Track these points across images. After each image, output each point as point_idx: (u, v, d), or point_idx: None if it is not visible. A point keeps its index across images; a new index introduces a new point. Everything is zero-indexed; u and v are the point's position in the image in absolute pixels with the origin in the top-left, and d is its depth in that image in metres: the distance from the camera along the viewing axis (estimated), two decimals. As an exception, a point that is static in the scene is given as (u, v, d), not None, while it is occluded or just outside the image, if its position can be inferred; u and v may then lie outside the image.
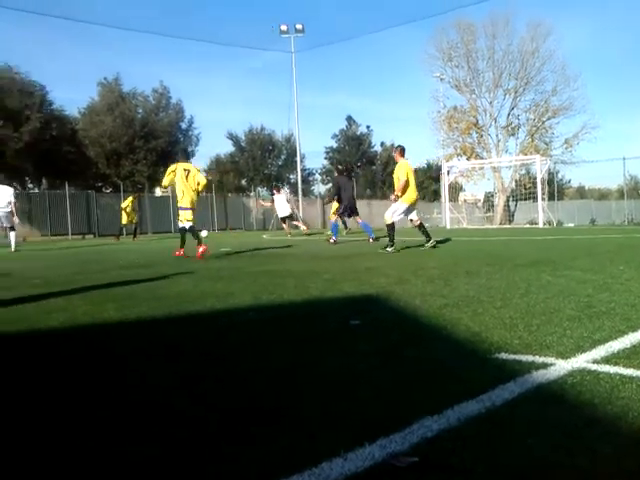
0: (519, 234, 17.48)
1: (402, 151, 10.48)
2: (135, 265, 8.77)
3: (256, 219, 38.91)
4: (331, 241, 13.42)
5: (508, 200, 37.88)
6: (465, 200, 48.78)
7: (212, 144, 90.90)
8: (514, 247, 11.22)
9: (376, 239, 13.23)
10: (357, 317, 3.68)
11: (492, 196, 41.43)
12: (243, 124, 66.14)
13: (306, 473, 1.53)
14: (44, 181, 34.30)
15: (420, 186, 56.14)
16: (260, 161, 46.26)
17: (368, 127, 56.00)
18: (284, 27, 37.06)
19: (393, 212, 10.18)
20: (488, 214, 41.02)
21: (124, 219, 22.72)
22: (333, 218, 14.80)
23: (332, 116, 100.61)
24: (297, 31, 37.16)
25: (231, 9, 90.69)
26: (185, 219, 10.33)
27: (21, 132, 26.59)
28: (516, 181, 38.13)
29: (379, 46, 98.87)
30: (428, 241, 10.31)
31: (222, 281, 6.08)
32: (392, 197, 10.35)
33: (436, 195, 55.60)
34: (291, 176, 48.21)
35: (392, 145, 56.73)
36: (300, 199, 39.00)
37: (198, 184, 10.26)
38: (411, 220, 10.76)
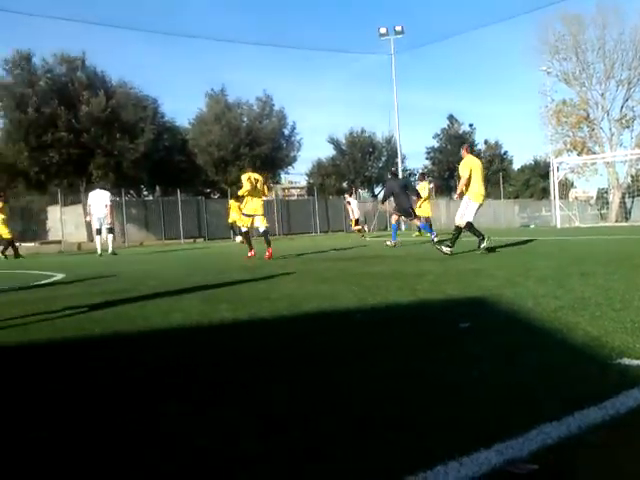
0: (637, 232, 16.39)
1: (469, 147, 10.51)
2: (244, 267, 9.07)
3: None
4: (435, 240, 13.13)
5: (624, 197, 35.63)
6: (576, 197, 46.44)
7: (314, 148, 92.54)
8: (632, 246, 10.54)
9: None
10: (466, 320, 3.60)
11: (606, 192, 39.22)
12: (344, 127, 66.64)
13: (420, 476, 1.52)
14: (157, 189, 36.25)
15: (527, 183, 53.99)
16: (361, 163, 46.38)
17: (471, 125, 54.74)
18: (383, 30, 36.96)
19: (462, 215, 9.77)
20: (602, 211, 38.80)
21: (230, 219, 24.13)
22: (416, 222, 14.62)
23: (433, 115, 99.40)
24: (396, 33, 36.94)
25: (329, 15, 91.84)
26: (244, 224, 11.47)
27: (136, 144, 28.22)
28: (632, 176, 35.84)
29: (480, 43, 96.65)
30: (448, 247, 9.50)
31: (327, 283, 6.16)
32: (455, 196, 10.30)
33: (544, 193, 53.31)
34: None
35: (496, 143, 55.23)
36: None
37: (263, 193, 11.20)
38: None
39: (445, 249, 9.45)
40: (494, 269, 6.74)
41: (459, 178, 10.10)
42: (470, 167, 9.81)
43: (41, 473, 1.70)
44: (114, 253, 15.68)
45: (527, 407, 2.01)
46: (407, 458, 1.63)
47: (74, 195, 29.18)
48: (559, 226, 27.82)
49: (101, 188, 16.62)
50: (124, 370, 2.88)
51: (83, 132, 27.16)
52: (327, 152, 51.47)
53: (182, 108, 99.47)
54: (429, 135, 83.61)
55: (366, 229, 22.87)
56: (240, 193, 11.25)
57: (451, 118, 54.70)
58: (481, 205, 9.94)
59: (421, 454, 1.65)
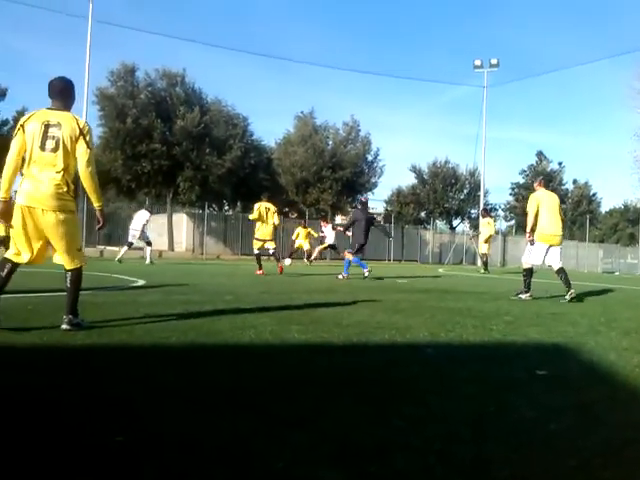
0: None
1: (543, 181, 9.39)
2: (316, 290, 9.13)
3: (432, 252, 38.52)
4: (340, 277, 12.40)
5: None
6: (665, 245, 43.97)
7: (395, 175, 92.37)
8: None
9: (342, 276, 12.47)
10: (544, 367, 3.47)
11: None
12: (427, 157, 66.34)
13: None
14: (239, 204, 37.14)
15: (614, 228, 51.54)
16: (441, 194, 45.83)
17: (560, 164, 53.06)
18: (478, 62, 36.62)
19: (527, 254, 8.95)
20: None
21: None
22: (350, 256, 12.95)
23: (520, 151, 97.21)
24: (491, 65, 36.50)
25: (424, 45, 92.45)
26: (257, 247, 13.07)
27: (224, 159, 29.09)
28: None
29: (577, 80, 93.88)
30: (568, 291, 8.45)
31: (399, 314, 6.09)
32: (527, 237, 9.00)
33: (632, 239, 50.83)
34: (472, 211, 47.09)
35: (585, 183, 53.26)
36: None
37: (273, 222, 12.87)
38: (549, 266, 9.01)
39: (523, 296, 8.61)
40: (576, 315, 6.47)
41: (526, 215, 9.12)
42: (537, 202, 8.86)
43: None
44: (152, 263, 16.95)
45: (606, 467, 1.91)
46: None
47: (160, 204, 30.38)
48: (647, 275, 26.44)
49: (146, 209, 18.68)
50: (197, 382, 2.95)
51: (175, 145, 28.30)
52: (408, 180, 51.07)
53: (270, 128, 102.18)
54: (515, 170, 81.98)
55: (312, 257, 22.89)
56: (250, 218, 13.26)
57: (540, 154, 53.34)
58: (551, 247, 8.80)
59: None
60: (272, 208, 12.93)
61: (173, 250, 29.52)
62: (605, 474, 1.85)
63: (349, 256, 12.97)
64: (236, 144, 29.69)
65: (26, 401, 2.51)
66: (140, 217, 17.92)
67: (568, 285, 8.55)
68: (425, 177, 47.19)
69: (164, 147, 28.00)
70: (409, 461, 1.92)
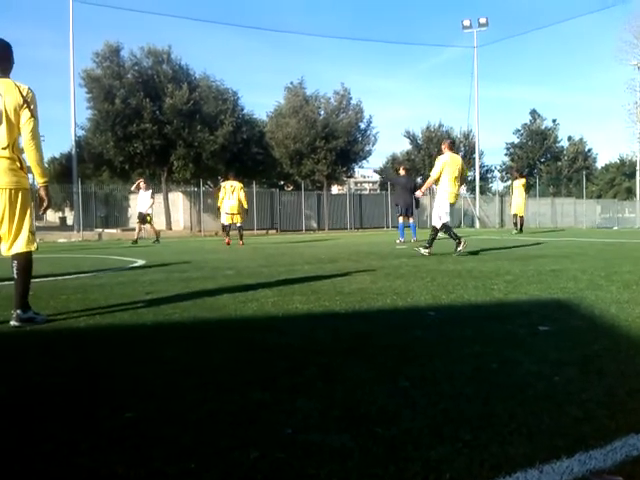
0: None
1: (448, 144, 10.29)
2: (318, 260, 9.14)
3: (430, 216, 38.53)
4: (397, 241, 14.04)
5: None
6: (663, 198, 44.03)
7: (389, 142, 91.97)
8: None
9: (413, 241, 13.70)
10: (546, 323, 3.49)
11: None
12: (421, 121, 65.79)
13: (499, 481, 1.50)
14: (234, 180, 36.90)
15: (611, 183, 51.39)
16: (436, 158, 45.60)
17: (554, 121, 52.66)
18: (467, 22, 36.08)
19: (445, 214, 9.80)
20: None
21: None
22: (403, 220, 15.03)
23: (514, 110, 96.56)
24: (480, 25, 35.96)
25: (412, 8, 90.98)
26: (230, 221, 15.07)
27: (216, 135, 28.83)
28: None
29: (567, 36, 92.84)
30: (458, 244, 9.49)
31: (400, 279, 6.11)
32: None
33: (629, 193, 50.78)
34: (468, 173, 46.91)
35: (580, 140, 52.95)
36: (477, 197, 37.92)
37: (239, 197, 14.73)
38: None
39: (423, 250, 9.63)
40: (576, 271, 6.50)
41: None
42: (442, 166, 9.85)
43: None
44: None
45: (611, 417, 1.93)
46: (487, 463, 1.61)
47: (155, 185, 30.24)
48: (645, 228, 26.51)
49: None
50: (203, 357, 2.97)
51: (166, 124, 28.03)
52: (402, 146, 50.67)
53: (261, 101, 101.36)
54: (509, 130, 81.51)
55: (141, 235, 18.74)
56: (219, 200, 15.03)
57: (533, 113, 52.90)
58: (451, 205, 9.91)
59: (501, 460, 1.62)
60: (237, 185, 14.78)
61: (171, 229, 29.48)
62: (611, 424, 1.87)
63: (405, 220, 15.03)
64: (227, 119, 29.41)
65: (33, 385, 2.52)
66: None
67: (430, 242, 9.75)
68: (419, 142, 46.88)
69: (155, 126, 27.75)
70: (416, 420, 1.94)
